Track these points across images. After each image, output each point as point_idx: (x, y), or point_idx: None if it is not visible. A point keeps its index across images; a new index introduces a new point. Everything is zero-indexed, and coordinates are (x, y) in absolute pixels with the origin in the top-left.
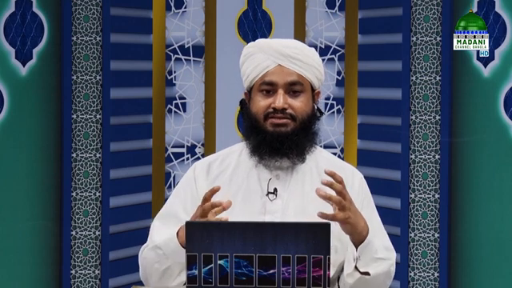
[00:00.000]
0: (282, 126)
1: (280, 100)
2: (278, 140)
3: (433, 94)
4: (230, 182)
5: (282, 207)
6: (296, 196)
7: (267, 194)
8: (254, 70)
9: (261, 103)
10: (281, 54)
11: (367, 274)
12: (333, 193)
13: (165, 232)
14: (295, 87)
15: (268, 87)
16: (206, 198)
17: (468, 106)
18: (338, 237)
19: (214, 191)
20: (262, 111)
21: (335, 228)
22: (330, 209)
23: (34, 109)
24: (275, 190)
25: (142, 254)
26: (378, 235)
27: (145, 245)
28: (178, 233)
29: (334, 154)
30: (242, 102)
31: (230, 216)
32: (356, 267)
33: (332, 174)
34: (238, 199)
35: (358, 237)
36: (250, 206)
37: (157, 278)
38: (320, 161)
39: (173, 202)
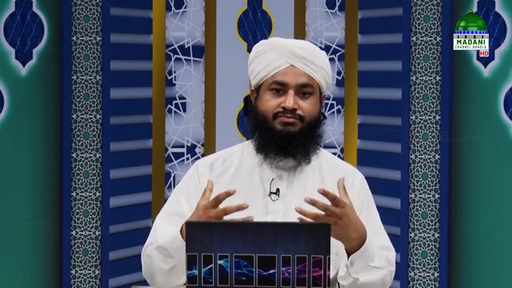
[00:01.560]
0: (291, 126)
1: (290, 100)
2: (287, 139)
3: (433, 94)
4: (232, 182)
5: (284, 208)
6: (298, 196)
7: (269, 195)
8: (265, 68)
9: (270, 102)
10: (294, 55)
11: (358, 279)
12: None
13: (169, 230)
14: (305, 89)
15: (278, 87)
16: (219, 199)
17: (468, 105)
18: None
19: (229, 194)
20: (272, 110)
21: None
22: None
23: (34, 109)
24: (277, 190)
25: (145, 251)
26: (378, 236)
27: (148, 242)
28: (181, 230)
29: (334, 153)
30: (246, 99)
31: (232, 215)
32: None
33: (326, 193)
34: (240, 199)
35: (350, 245)
36: (252, 206)
37: (163, 277)
38: (322, 162)
39: (177, 200)
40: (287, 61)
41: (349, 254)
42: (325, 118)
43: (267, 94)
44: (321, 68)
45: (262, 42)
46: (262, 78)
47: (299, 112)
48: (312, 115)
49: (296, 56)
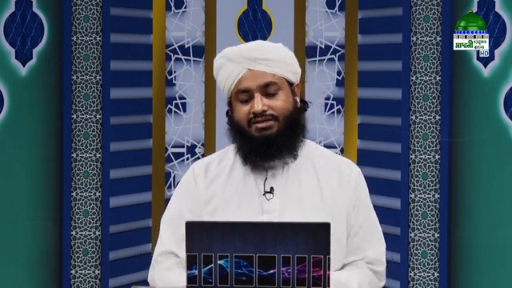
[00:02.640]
0: (267, 129)
1: (258, 104)
2: (266, 143)
3: (433, 94)
4: (226, 184)
5: (279, 206)
6: (293, 194)
7: (264, 194)
8: (227, 80)
9: (241, 111)
10: (247, 59)
11: None
12: (328, 195)
13: (175, 237)
14: (270, 88)
15: (244, 94)
16: None
17: (468, 105)
18: (337, 239)
19: None
20: (244, 118)
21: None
22: (325, 207)
23: (34, 109)
24: (272, 189)
25: (152, 275)
26: (371, 232)
27: (155, 254)
28: None
29: None
30: (228, 113)
31: (228, 216)
32: None
33: None
34: (236, 200)
35: None
36: (247, 206)
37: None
38: (316, 157)
39: (177, 205)
40: (243, 66)
41: None
42: (306, 104)
43: (237, 105)
44: (280, 62)
45: (218, 55)
46: (228, 90)
47: (270, 112)
48: (286, 111)
49: (249, 59)
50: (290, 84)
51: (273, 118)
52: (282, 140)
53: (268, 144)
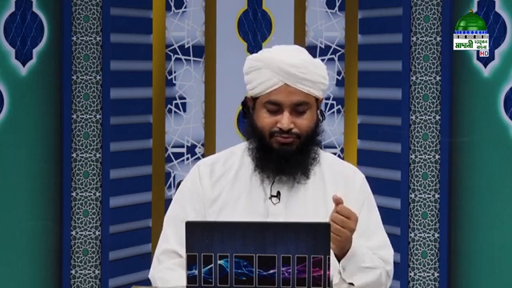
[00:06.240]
0: (288, 145)
1: (286, 121)
2: (284, 158)
3: (433, 94)
4: (232, 185)
5: (284, 211)
6: (299, 199)
7: (270, 198)
8: (260, 86)
9: (266, 120)
10: (287, 73)
11: (353, 284)
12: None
13: (178, 236)
14: (301, 107)
15: (273, 106)
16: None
17: (468, 106)
18: None
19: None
20: (268, 129)
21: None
22: (330, 213)
23: (33, 109)
24: (278, 193)
25: (153, 271)
26: (376, 235)
27: (158, 251)
28: None
29: (334, 154)
30: (244, 103)
31: (234, 217)
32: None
33: (337, 202)
34: (241, 202)
35: (341, 251)
36: (253, 209)
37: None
38: (323, 163)
39: (181, 206)
40: (280, 79)
41: (339, 260)
42: (324, 118)
43: (263, 112)
44: (316, 82)
45: (255, 56)
46: (257, 93)
47: (295, 130)
48: (309, 129)
49: (289, 75)
50: (316, 99)
51: (296, 136)
52: (299, 158)
53: (286, 159)
